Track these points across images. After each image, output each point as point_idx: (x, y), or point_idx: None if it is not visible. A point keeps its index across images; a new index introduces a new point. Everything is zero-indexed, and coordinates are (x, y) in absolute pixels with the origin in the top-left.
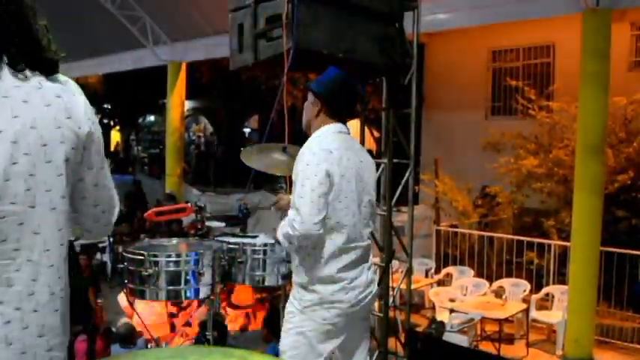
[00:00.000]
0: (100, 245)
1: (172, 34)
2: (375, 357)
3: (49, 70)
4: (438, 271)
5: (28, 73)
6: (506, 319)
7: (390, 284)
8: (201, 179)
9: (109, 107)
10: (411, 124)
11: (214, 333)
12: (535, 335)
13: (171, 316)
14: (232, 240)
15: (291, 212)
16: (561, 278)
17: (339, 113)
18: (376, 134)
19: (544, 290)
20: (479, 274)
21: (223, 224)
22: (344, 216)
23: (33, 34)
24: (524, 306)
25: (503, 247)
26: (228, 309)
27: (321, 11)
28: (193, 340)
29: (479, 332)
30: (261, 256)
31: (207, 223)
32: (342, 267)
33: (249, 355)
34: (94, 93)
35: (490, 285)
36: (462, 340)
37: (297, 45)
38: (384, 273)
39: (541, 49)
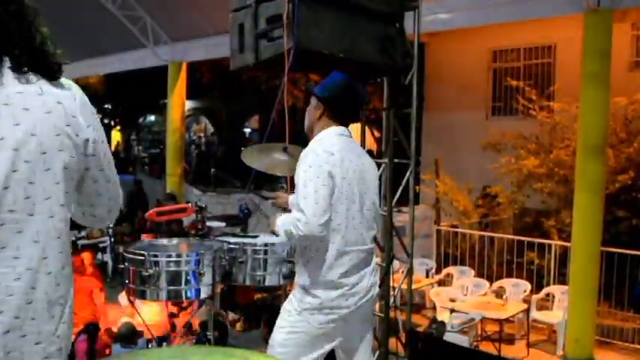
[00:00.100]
0: (101, 245)
1: (173, 34)
2: (375, 357)
3: (52, 74)
4: (438, 271)
5: (31, 76)
6: (507, 320)
7: (391, 284)
8: (201, 179)
9: (110, 107)
10: (411, 124)
11: (215, 333)
12: (535, 335)
13: (172, 316)
14: (233, 240)
15: (295, 212)
16: (562, 278)
17: (342, 117)
18: (377, 134)
19: (544, 290)
20: (479, 274)
21: (224, 224)
22: (345, 218)
23: (35, 35)
24: (525, 306)
25: (503, 248)
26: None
27: (322, 11)
28: (194, 340)
29: (479, 332)
30: (261, 255)
31: (208, 223)
32: (344, 272)
33: (251, 355)
34: (95, 93)
35: (491, 285)
36: (462, 340)
37: (298, 45)
38: (385, 273)
39: (542, 50)
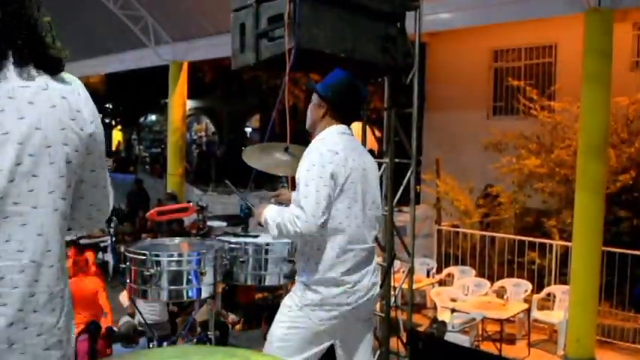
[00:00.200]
0: (102, 245)
1: (174, 34)
2: (376, 357)
3: (54, 68)
4: (439, 270)
5: (33, 72)
6: (508, 319)
7: (392, 284)
8: (202, 179)
9: (111, 107)
10: (412, 123)
11: (216, 332)
12: (536, 335)
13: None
14: (234, 239)
15: (294, 208)
16: (563, 278)
17: (344, 116)
18: (378, 134)
19: (545, 290)
20: (480, 274)
21: (225, 224)
22: (346, 217)
23: (37, 28)
24: (526, 306)
25: (504, 247)
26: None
27: (323, 11)
28: (195, 340)
29: (480, 332)
30: (262, 255)
31: (209, 223)
32: (346, 270)
33: (252, 355)
34: (96, 92)
35: (491, 285)
36: (463, 340)
37: (299, 45)
38: (386, 273)
39: (543, 49)
